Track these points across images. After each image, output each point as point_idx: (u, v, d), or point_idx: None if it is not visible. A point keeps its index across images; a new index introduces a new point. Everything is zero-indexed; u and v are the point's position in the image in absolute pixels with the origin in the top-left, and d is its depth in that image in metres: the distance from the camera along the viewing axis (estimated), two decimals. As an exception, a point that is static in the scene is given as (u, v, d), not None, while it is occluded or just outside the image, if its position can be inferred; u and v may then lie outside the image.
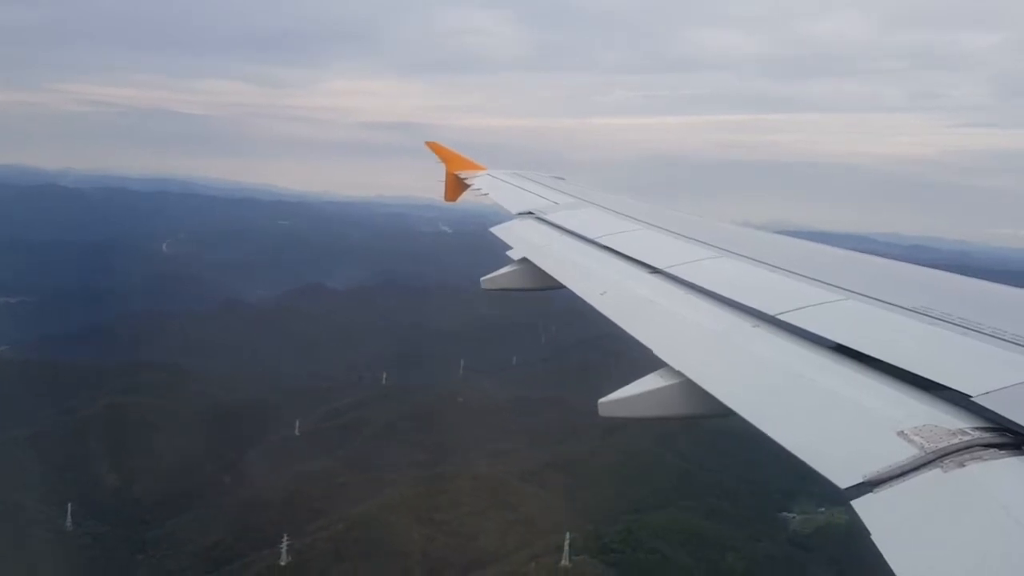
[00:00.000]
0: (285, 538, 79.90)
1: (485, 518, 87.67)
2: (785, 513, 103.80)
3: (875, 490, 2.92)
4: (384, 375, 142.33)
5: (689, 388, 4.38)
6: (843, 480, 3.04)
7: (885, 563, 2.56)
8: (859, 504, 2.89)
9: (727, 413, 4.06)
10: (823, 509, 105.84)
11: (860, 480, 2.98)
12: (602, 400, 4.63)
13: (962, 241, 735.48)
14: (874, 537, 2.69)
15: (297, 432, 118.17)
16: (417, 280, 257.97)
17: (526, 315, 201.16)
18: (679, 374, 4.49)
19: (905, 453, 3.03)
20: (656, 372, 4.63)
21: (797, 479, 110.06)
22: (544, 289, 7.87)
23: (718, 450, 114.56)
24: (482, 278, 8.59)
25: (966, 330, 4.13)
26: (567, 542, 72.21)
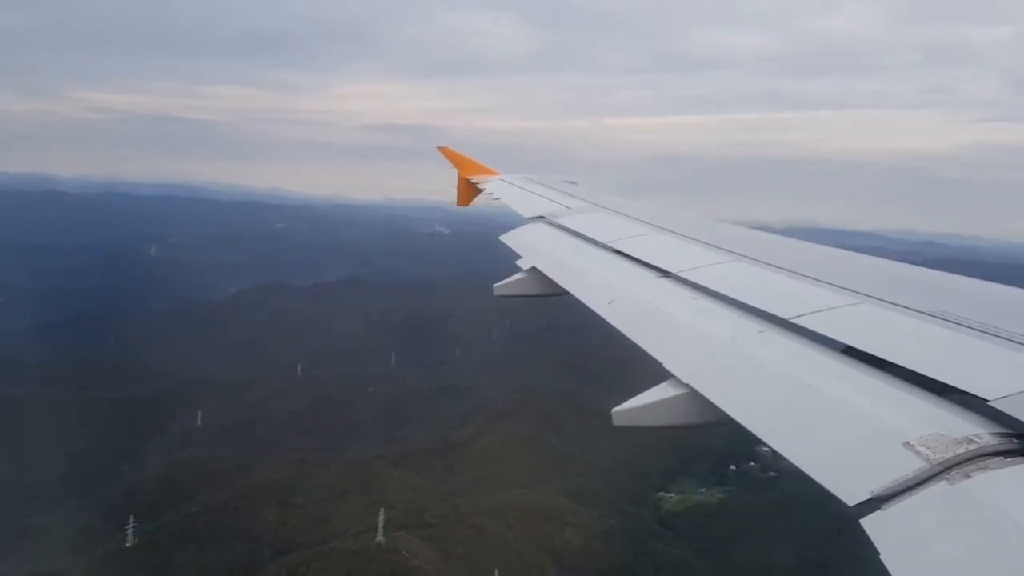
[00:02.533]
0: (131, 521, 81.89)
1: (343, 501, 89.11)
2: (662, 493, 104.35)
3: (883, 507, 2.87)
4: (299, 366, 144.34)
5: (698, 398, 4.35)
6: (850, 497, 2.98)
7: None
8: (868, 523, 2.83)
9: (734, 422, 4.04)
10: (704, 489, 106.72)
11: (867, 496, 2.93)
12: (615, 409, 4.66)
13: (977, 237, 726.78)
14: (883, 557, 2.65)
15: (199, 422, 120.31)
16: (391, 277, 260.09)
17: (487, 309, 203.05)
18: (688, 384, 4.48)
19: (911, 465, 2.98)
20: (667, 382, 4.62)
21: (681, 461, 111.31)
22: (554, 295, 7.75)
23: (607, 434, 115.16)
24: (494, 285, 8.55)
25: (983, 334, 4.08)
26: (381, 519, 73.54)
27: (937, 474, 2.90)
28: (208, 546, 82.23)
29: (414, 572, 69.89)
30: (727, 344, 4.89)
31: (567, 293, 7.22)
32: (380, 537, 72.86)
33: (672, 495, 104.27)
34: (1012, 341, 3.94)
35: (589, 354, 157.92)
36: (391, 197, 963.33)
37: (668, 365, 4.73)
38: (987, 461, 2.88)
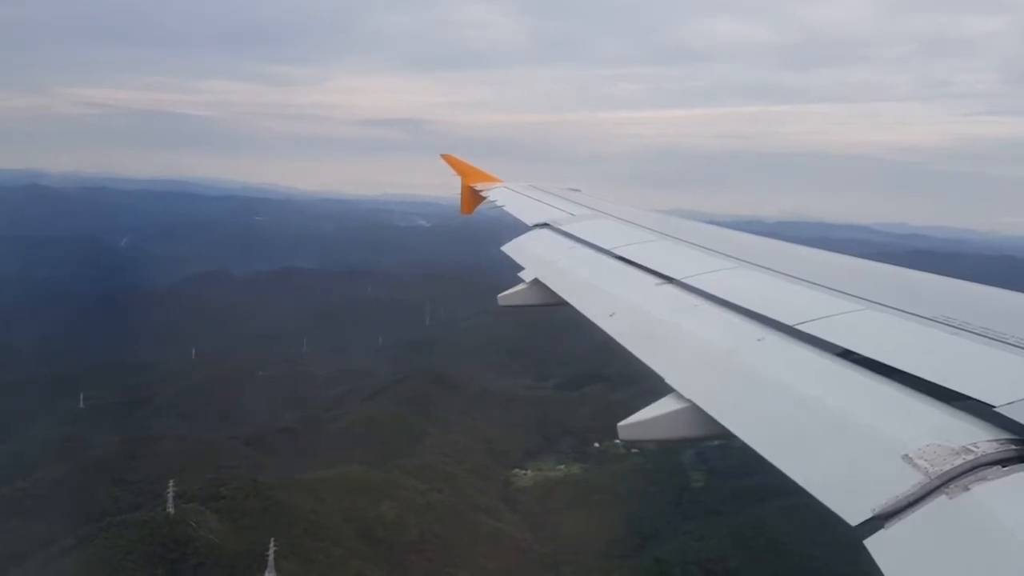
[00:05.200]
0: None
1: (180, 480, 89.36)
2: (517, 470, 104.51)
3: (886, 525, 2.79)
4: (194, 350, 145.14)
5: (700, 412, 4.32)
6: (853, 516, 2.89)
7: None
8: (872, 543, 2.75)
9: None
10: (562, 466, 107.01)
11: (870, 515, 2.85)
12: (621, 424, 4.62)
13: (968, 230, 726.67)
14: None
15: (82, 404, 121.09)
16: (340, 267, 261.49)
17: (431, 297, 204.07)
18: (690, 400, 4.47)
19: (911, 479, 2.91)
20: (671, 395, 4.59)
21: (546, 439, 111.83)
22: (558, 304, 7.57)
23: (476, 415, 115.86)
24: (498, 296, 8.48)
25: (989, 339, 4.04)
26: (170, 491, 74.11)
27: (936, 488, 2.83)
28: (30, 520, 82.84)
29: (196, 541, 70.53)
30: (727, 355, 4.82)
31: (567, 303, 7.21)
32: (170, 508, 73.45)
33: (528, 472, 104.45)
34: (1019, 347, 3.88)
35: (505, 338, 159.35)
36: (387, 192, 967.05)
37: (670, 380, 4.70)
38: (985, 471, 2.83)
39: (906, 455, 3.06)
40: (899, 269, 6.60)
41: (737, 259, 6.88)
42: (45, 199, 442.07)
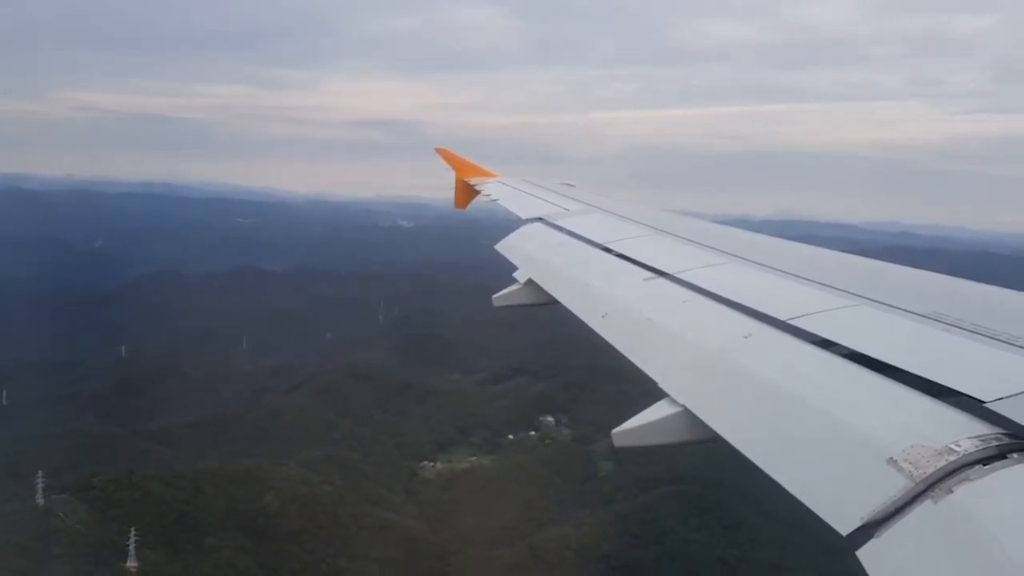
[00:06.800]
0: None
1: (67, 472, 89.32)
2: (426, 463, 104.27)
3: (876, 533, 2.74)
4: (123, 348, 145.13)
5: (692, 416, 4.28)
6: (843, 525, 2.84)
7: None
8: (864, 554, 2.69)
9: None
10: (474, 458, 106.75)
11: (859, 523, 2.80)
12: (615, 430, 4.56)
13: (960, 228, 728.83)
14: None
15: (4, 402, 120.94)
16: (302, 266, 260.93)
17: (388, 296, 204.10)
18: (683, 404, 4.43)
19: (897, 484, 2.87)
20: (664, 399, 4.54)
21: (459, 432, 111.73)
22: (553, 303, 7.50)
23: (394, 409, 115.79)
24: (493, 296, 8.48)
25: (980, 336, 4.05)
26: (40, 482, 74.02)
27: (921, 492, 2.78)
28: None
29: (62, 532, 70.47)
30: (718, 356, 4.77)
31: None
32: (39, 498, 73.39)
33: (436, 464, 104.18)
34: (1009, 344, 3.90)
35: (447, 333, 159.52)
36: (380, 194, 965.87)
37: (663, 384, 4.67)
38: (968, 472, 2.78)
39: (891, 458, 3.00)
40: (892, 266, 6.57)
41: (730, 254, 6.85)
42: (25, 202, 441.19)
